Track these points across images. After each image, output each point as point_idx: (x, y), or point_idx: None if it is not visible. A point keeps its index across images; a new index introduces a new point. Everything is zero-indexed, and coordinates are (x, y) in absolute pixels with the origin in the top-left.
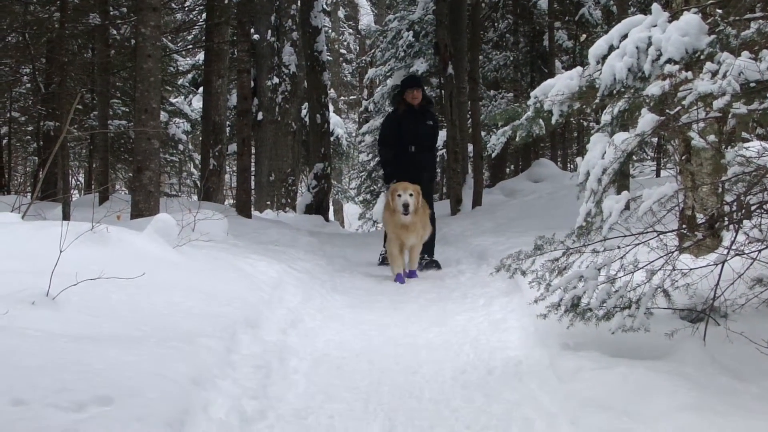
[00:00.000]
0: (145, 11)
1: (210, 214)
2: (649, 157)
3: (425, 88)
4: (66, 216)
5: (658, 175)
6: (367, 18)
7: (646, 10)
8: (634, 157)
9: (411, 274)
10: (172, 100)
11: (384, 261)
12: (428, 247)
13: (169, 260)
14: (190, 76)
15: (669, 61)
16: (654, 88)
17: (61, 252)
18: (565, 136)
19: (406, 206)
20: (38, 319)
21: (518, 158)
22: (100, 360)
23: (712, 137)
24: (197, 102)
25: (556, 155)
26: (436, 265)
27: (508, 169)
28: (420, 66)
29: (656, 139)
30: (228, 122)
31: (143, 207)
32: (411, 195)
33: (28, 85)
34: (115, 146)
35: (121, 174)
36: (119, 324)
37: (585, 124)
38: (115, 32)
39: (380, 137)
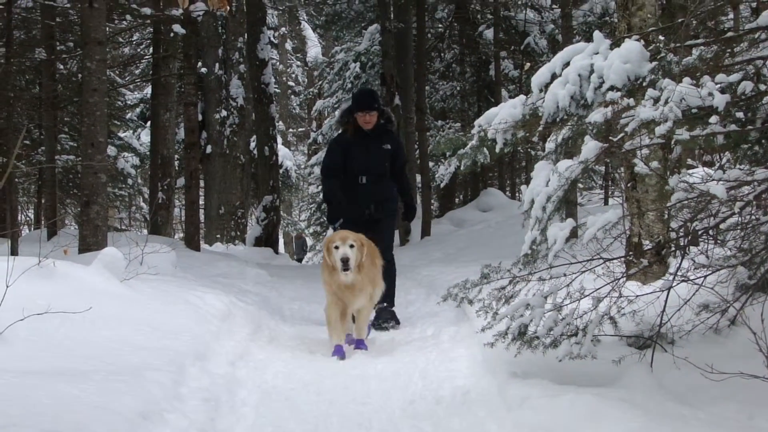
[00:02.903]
0: (90, 45)
1: (158, 247)
2: (597, 186)
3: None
4: (14, 251)
5: (606, 203)
6: (314, 50)
7: (590, 39)
8: (581, 185)
9: (358, 345)
10: (121, 134)
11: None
12: (387, 293)
13: (117, 294)
14: (138, 110)
15: (611, 88)
16: (597, 116)
17: (7, 287)
18: (514, 165)
19: (345, 261)
20: None
21: (467, 188)
22: (47, 395)
23: (655, 163)
24: (146, 136)
25: (505, 184)
26: (393, 319)
27: (457, 199)
28: None
29: (604, 167)
30: (176, 155)
31: (91, 241)
32: (352, 246)
33: None
34: (64, 181)
35: (70, 209)
36: (66, 358)
37: (533, 153)
38: (62, 67)
39: (322, 166)
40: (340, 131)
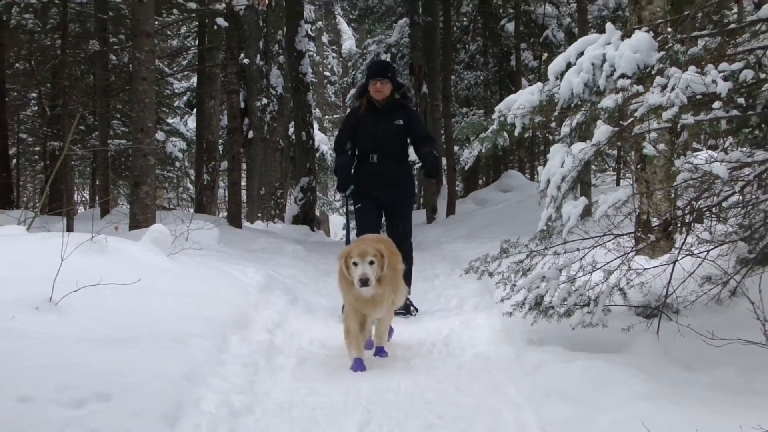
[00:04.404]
0: (140, 37)
1: (202, 224)
2: (609, 167)
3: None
4: (69, 228)
5: (618, 183)
6: (348, 42)
7: (604, 31)
8: (594, 167)
9: (378, 352)
10: (169, 120)
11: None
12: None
13: (164, 267)
14: (185, 98)
15: (622, 76)
16: (608, 102)
17: (62, 260)
18: (533, 149)
19: (365, 281)
20: (42, 323)
21: (489, 170)
22: (99, 360)
23: (662, 146)
24: (192, 122)
25: (524, 167)
26: (410, 309)
27: (480, 181)
28: None
29: (616, 150)
30: (220, 140)
31: (140, 219)
32: (372, 263)
33: (35, 108)
34: (117, 164)
35: (122, 190)
36: (117, 326)
37: (550, 137)
38: (114, 57)
39: (334, 143)
40: (356, 106)
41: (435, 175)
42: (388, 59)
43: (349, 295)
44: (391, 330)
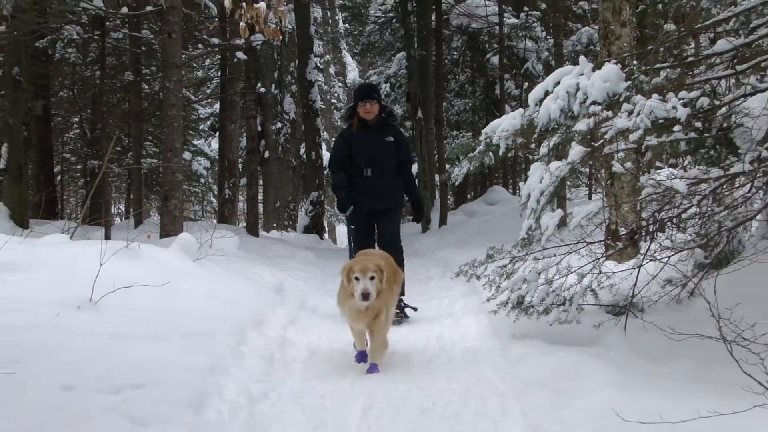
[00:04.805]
0: (169, 68)
1: (224, 233)
2: (582, 183)
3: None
4: (107, 236)
5: (590, 197)
6: (353, 73)
7: (578, 63)
8: (569, 183)
9: (370, 369)
10: (195, 142)
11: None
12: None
13: (190, 271)
14: (209, 122)
15: (593, 102)
16: (581, 125)
17: (101, 265)
18: (515, 167)
19: (366, 295)
20: (83, 321)
21: (477, 186)
22: (133, 353)
23: (629, 164)
24: (215, 143)
25: (508, 183)
26: (402, 313)
27: (468, 195)
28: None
29: (588, 168)
30: (240, 159)
31: (170, 228)
32: (372, 278)
33: (77, 131)
34: (148, 180)
35: (154, 203)
36: (149, 324)
37: (531, 157)
38: (146, 87)
39: (329, 161)
40: (346, 126)
41: (421, 219)
42: (388, 88)
43: (344, 307)
44: (374, 366)
